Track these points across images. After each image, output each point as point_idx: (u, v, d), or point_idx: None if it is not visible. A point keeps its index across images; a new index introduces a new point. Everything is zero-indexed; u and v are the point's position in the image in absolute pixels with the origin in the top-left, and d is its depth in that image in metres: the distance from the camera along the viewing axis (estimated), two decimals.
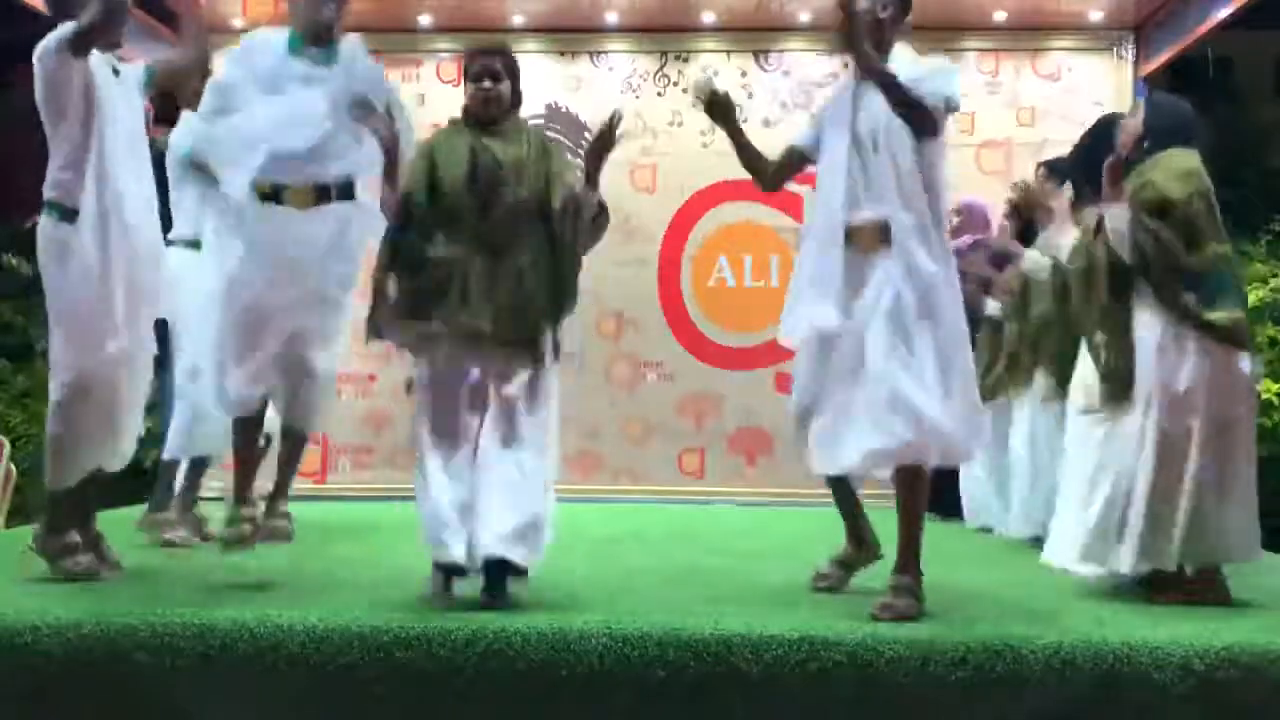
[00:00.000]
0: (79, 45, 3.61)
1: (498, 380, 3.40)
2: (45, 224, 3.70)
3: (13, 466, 5.94)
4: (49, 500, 3.74)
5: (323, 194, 3.65)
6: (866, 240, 3.42)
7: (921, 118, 3.35)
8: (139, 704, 2.91)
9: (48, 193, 3.69)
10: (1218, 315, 3.53)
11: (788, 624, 2.93)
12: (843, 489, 3.81)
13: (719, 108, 3.83)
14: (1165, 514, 3.51)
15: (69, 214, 3.64)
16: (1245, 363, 3.58)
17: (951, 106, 3.44)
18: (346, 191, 3.70)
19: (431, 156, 3.49)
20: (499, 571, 3.30)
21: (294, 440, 3.95)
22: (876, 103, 3.41)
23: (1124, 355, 3.68)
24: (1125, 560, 3.57)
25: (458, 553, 3.29)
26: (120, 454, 3.83)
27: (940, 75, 3.44)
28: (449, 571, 3.40)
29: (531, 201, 3.43)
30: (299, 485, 6.76)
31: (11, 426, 6.74)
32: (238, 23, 7.07)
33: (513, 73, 3.59)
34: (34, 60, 3.66)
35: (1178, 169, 3.64)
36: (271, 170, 3.58)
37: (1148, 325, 3.62)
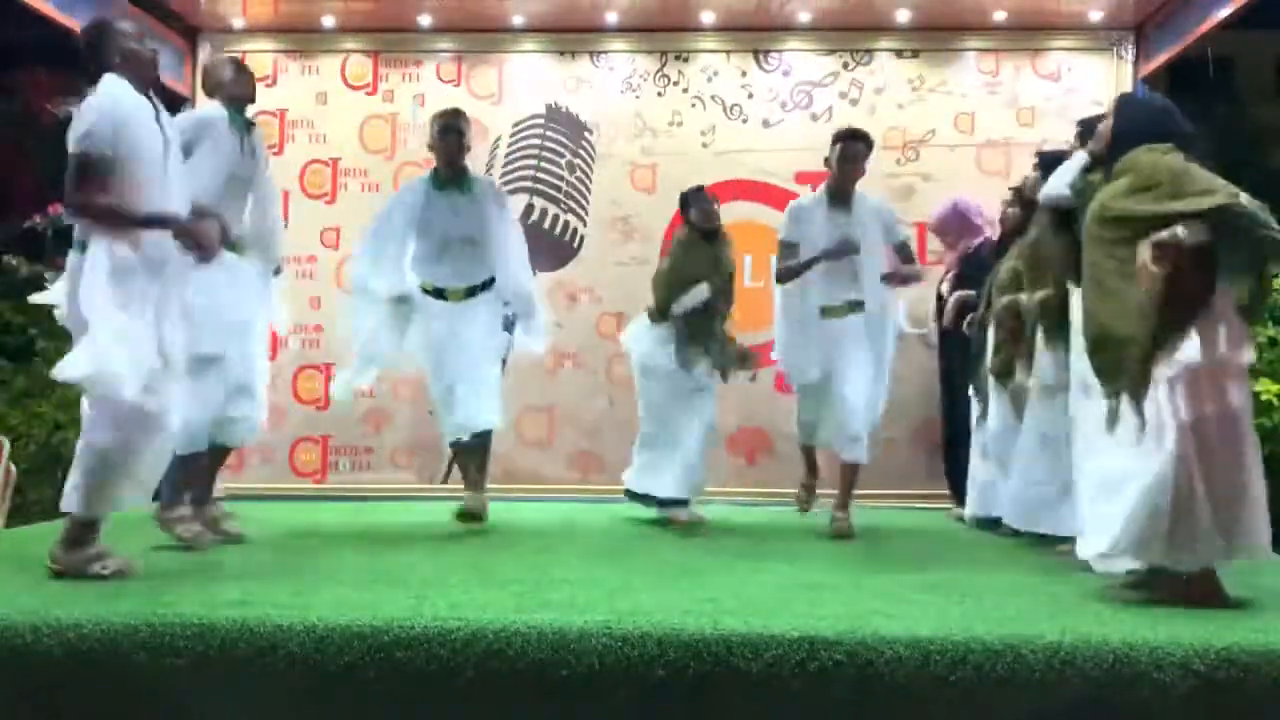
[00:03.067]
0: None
1: None
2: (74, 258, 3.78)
3: (12, 466, 5.93)
4: (70, 523, 3.74)
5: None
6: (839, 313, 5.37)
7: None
8: (139, 704, 2.91)
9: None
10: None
11: (788, 624, 2.93)
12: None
13: None
14: (1156, 508, 3.43)
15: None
16: (1244, 354, 3.48)
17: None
18: None
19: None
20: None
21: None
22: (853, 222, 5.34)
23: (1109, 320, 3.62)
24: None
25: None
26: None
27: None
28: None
29: None
30: (299, 485, 6.83)
31: (12, 426, 6.73)
32: (238, 23, 7.08)
33: None
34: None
35: (1128, 175, 3.59)
36: None
37: None
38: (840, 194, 5.39)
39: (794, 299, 5.45)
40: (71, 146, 3.68)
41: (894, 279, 5.45)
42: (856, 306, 5.34)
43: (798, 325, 5.44)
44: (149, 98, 3.90)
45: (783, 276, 5.42)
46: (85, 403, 3.95)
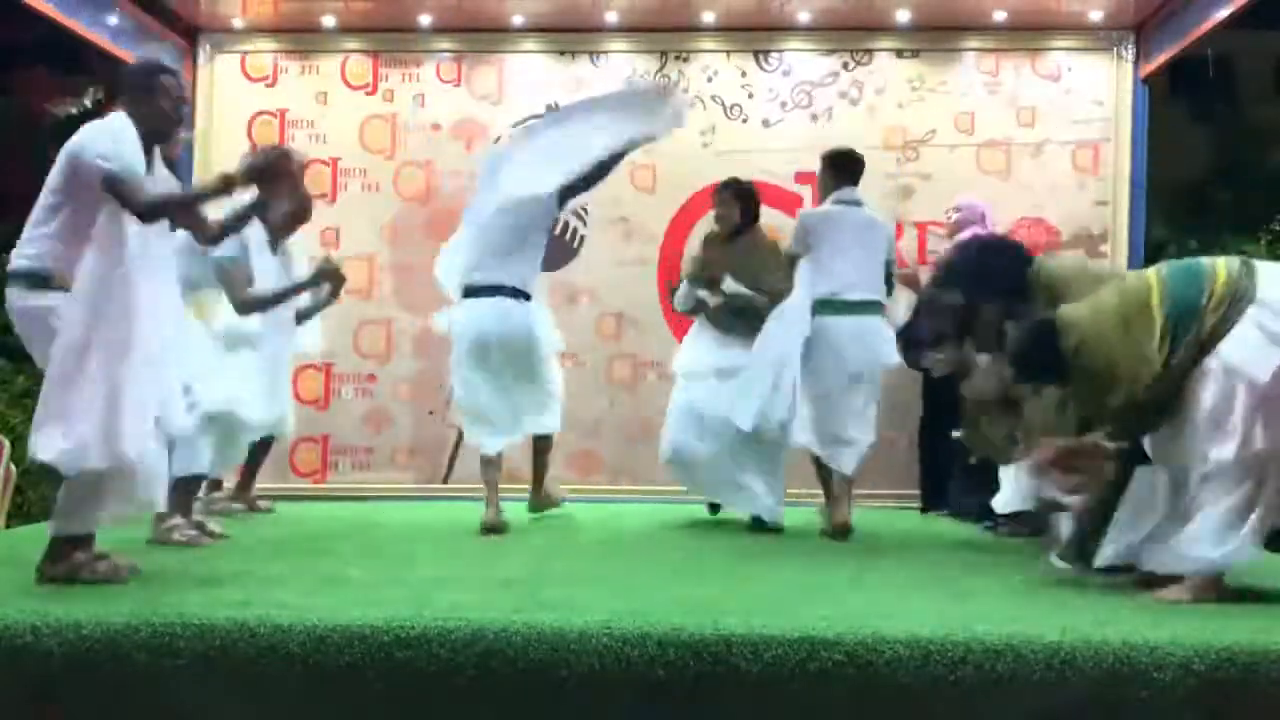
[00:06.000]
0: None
1: None
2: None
3: (13, 466, 5.93)
4: (51, 539, 3.66)
5: None
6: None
7: None
8: (139, 704, 2.91)
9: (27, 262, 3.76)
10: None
11: (788, 624, 2.93)
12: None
13: None
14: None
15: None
16: None
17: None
18: None
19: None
20: None
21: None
22: None
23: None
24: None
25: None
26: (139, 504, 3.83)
27: None
28: None
29: None
30: (299, 485, 6.83)
31: (11, 426, 6.74)
32: (238, 23, 7.07)
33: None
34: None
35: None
36: None
37: None
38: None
39: None
40: (99, 164, 3.53)
41: None
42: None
43: None
44: (149, 157, 3.75)
45: None
46: None
